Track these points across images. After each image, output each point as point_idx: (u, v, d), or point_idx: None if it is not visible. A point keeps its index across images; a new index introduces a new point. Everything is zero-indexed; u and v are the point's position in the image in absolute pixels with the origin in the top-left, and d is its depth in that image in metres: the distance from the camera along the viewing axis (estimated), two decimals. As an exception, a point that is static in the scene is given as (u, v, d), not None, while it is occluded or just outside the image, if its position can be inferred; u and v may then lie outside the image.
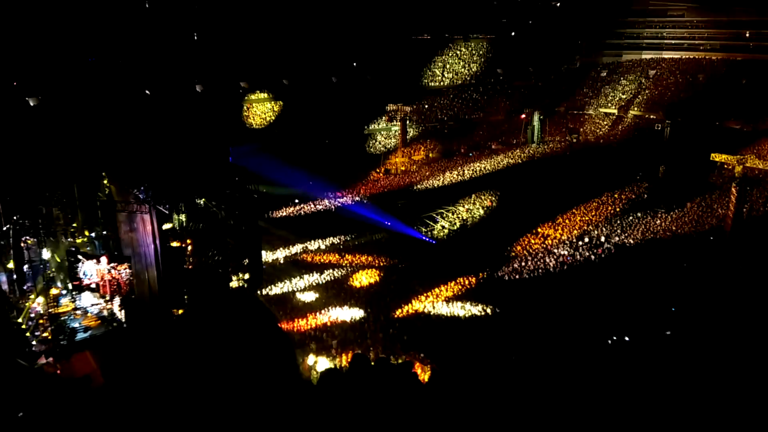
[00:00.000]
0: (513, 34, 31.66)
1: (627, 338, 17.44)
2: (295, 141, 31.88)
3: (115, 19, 21.89)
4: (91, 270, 18.95)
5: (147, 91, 23.28)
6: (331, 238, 25.41)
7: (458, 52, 37.76)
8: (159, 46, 23.28)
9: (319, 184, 30.86)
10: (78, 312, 18.39)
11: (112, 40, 21.91)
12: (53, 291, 18.88)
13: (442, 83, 40.53)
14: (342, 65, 32.43)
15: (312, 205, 29.43)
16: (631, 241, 23.61)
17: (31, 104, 20.89)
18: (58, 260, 19.95)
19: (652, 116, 37.08)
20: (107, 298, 18.72)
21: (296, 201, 29.41)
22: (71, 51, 20.52)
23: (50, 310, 17.86)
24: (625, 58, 47.10)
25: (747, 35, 39.68)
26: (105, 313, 18.50)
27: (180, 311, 18.31)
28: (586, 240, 23.81)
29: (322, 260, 23.55)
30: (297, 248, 24.45)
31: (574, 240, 23.95)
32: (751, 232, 23.66)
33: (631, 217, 25.85)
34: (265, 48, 28.52)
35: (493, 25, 32.59)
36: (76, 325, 17.78)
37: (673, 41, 44.50)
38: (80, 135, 20.42)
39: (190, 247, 20.37)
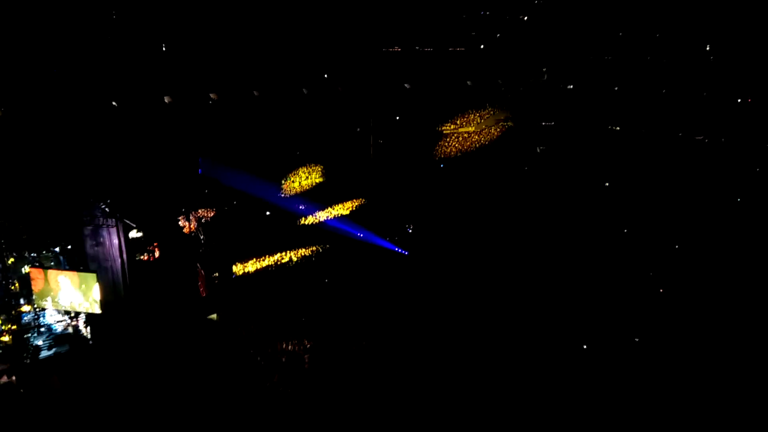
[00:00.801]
0: (482, 47, 32.06)
1: (585, 346, 17.77)
2: (268, 153, 31.68)
3: (80, 29, 21.54)
4: (56, 285, 18.47)
5: (114, 103, 22.91)
6: (302, 250, 25.41)
7: (428, 64, 37.99)
8: (127, 57, 22.95)
9: (290, 197, 30.70)
10: (42, 329, 17.92)
11: (78, 51, 21.52)
12: (20, 308, 18.37)
13: (411, 94, 40.77)
14: (313, 76, 32.38)
15: (283, 217, 29.28)
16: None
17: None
18: (22, 275, 19.40)
19: (617, 128, 37.87)
20: (72, 314, 18.28)
21: (267, 213, 29.21)
22: (35, 61, 20.09)
23: (12, 327, 17.36)
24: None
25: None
26: (70, 330, 18.07)
27: (148, 326, 18.00)
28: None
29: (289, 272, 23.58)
30: (268, 261, 24.39)
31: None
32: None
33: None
34: (235, 58, 28.33)
35: (463, 38, 32.96)
36: (40, 342, 17.33)
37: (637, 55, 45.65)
38: (45, 147, 19.98)
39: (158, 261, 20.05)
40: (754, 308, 19.10)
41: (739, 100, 26.28)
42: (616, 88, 32.44)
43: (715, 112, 27.41)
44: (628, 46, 30.52)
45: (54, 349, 17.07)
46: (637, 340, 18.09)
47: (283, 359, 17.28)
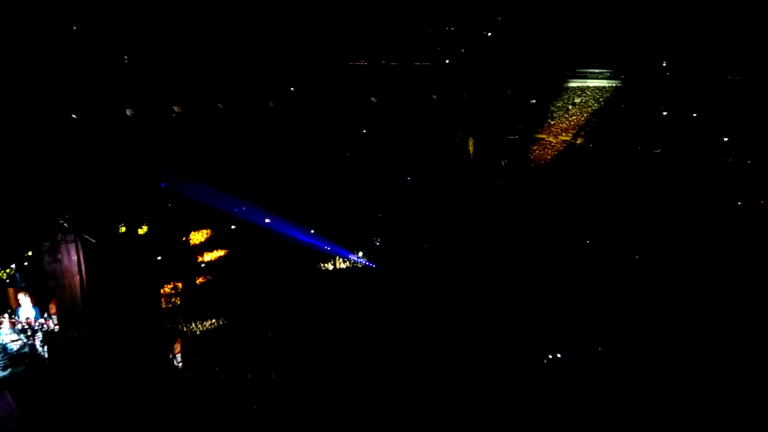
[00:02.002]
0: (447, 61, 32.47)
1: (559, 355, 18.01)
2: (232, 166, 31.36)
3: (40, 40, 21.06)
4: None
5: (73, 115, 22.44)
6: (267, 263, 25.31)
7: (394, 78, 38.25)
8: (88, 69, 22.53)
9: (258, 210, 30.41)
10: (-4, 349, 17.32)
11: (36, 61, 21.03)
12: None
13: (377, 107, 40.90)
14: (279, 90, 32.23)
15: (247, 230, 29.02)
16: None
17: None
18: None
19: (579, 141, 38.75)
20: (29, 333, 17.71)
21: (233, 227, 28.89)
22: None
23: (-35, 348, 16.74)
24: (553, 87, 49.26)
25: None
26: (26, 349, 17.49)
27: (107, 346, 17.57)
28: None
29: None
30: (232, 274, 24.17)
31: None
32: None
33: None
34: (199, 70, 28.02)
35: (428, 53, 33.31)
36: (-7, 363, 16.77)
37: (596, 71, 46.93)
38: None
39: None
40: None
41: (694, 115, 27.16)
42: (576, 102, 33.15)
43: (671, 126, 28.31)
44: (589, 62, 31.36)
45: (9, 370, 16.50)
46: (600, 348, 18.41)
47: (249, 375, 17.05)
